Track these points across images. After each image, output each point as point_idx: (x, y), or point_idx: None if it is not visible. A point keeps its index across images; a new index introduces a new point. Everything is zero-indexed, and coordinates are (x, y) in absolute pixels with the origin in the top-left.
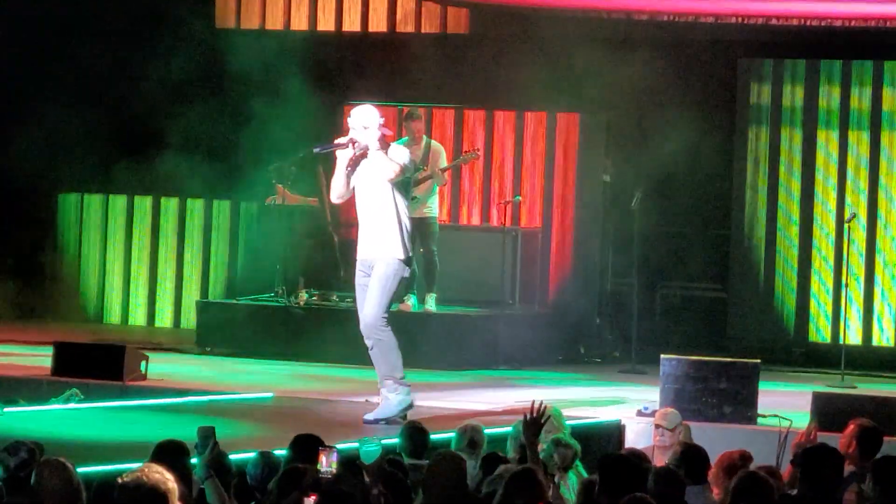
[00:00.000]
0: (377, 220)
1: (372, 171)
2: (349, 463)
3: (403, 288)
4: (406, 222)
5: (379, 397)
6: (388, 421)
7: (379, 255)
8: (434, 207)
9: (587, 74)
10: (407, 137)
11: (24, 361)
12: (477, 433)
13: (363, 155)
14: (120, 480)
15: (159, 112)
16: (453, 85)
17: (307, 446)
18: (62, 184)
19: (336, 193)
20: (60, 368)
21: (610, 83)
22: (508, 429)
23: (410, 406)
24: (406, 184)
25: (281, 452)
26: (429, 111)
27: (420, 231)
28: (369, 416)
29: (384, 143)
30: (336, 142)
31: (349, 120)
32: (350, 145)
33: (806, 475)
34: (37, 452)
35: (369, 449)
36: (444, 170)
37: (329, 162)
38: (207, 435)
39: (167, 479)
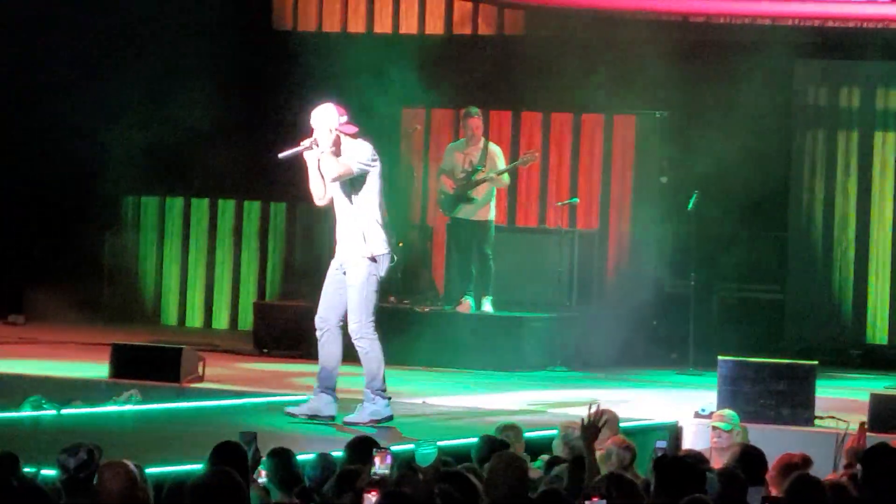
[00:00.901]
0: (343, 219)
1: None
2: (406, 465)
3: (385, 283)
4: (374, 220)
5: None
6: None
7: (347, 255)
8: (492, 210)
9: (644, 76)
10: (464, 138)
11: (83, 363)
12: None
13: (328, 154)
14: (193, 482)
15: (217, 113)
16: (510, 87)
17: (362, 448)
18: (123, 186)
19: (315, 196)
20: (118, 370)
21: (667, 85)
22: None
23: (387, 419)
24: (358, 180)
25: (338, 454)
26: (486, 113)
27: (476, 233)
28: (356, 418)
29: (337, 142)
30: (301, 144)
31: (311, 120)
32: (314, 146)
33: (868, 477)
34: (96, 454)
35: (425, 451)
36: (500, 173)
37: (385, 163)
38: (248, 440)
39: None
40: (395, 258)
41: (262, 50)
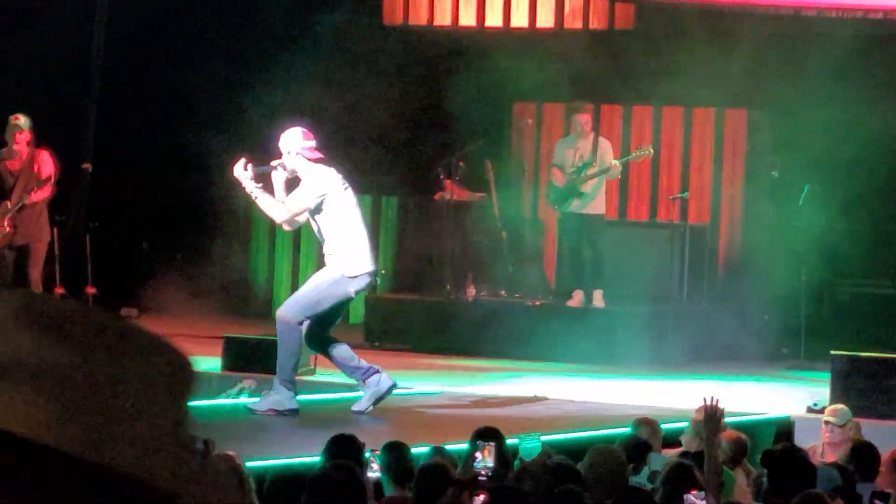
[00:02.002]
0: (323, 240)
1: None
2: (505, 459)
3: (342, 306)
4: (346, 243)
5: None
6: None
7: (331, 266)
8: (601, 204)
9: (755, 69)
10: (574, 133)
11: (195, 356)
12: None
13: (295, 178)
14: (314, 474)
15: (326, 108)
16: (621, 81)
17: (342, 446)
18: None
19: (281, 218)
20: (231, 363)
21: (778, 78)
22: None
23: (290, 411)
24: (319, 208)
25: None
26: (596, 108)
27: (587, 227)
28: (258, 406)
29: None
30: (270, 165)
31: (279, 143)
32: (280, 168)
33: None
34: (210, 447)
35: (530, 445)
36: (612, 166)
37: (496, 157)
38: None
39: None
40: (377, 281)
41: (373, 44)
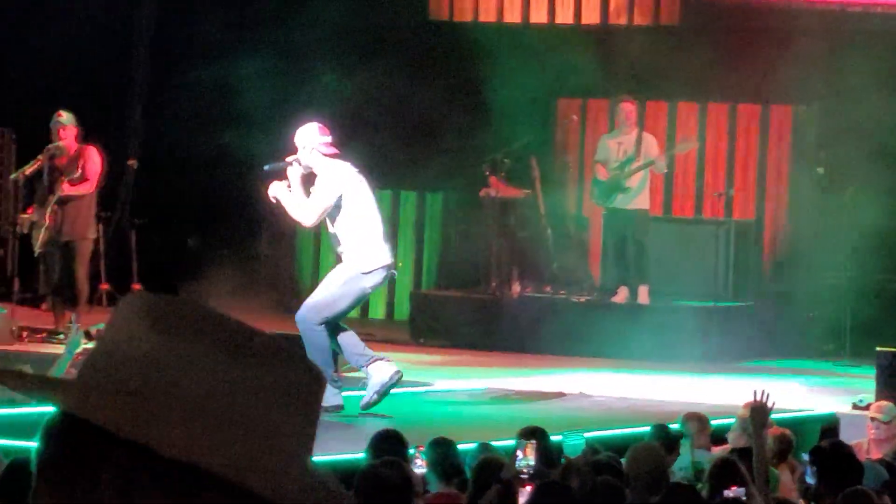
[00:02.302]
0: (337, 237)
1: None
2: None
3: (359, 302)
4: (362, 237)
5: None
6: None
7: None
8: (645, 199)
9: (800, 66)
10: (617, 129)
11: None
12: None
13: (310, 174)
14: (362, 471)
15: (370, 104)
16: (666, 77)
17: (386, 443)
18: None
19: (301, 217)
20: None
21: (823, 74)
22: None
23: (335, 408)
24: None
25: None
26: (641, 104)
27: (632, 222)
28: None
29: (301, 181)
30: (285, 161)
31: (295, 138)
32: (295, 163)
33: None
34: None
35: (574, 442)
36: (658, 158)
37: (541, 154)
38: None
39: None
40: (394, 275)
41: (418, 40)
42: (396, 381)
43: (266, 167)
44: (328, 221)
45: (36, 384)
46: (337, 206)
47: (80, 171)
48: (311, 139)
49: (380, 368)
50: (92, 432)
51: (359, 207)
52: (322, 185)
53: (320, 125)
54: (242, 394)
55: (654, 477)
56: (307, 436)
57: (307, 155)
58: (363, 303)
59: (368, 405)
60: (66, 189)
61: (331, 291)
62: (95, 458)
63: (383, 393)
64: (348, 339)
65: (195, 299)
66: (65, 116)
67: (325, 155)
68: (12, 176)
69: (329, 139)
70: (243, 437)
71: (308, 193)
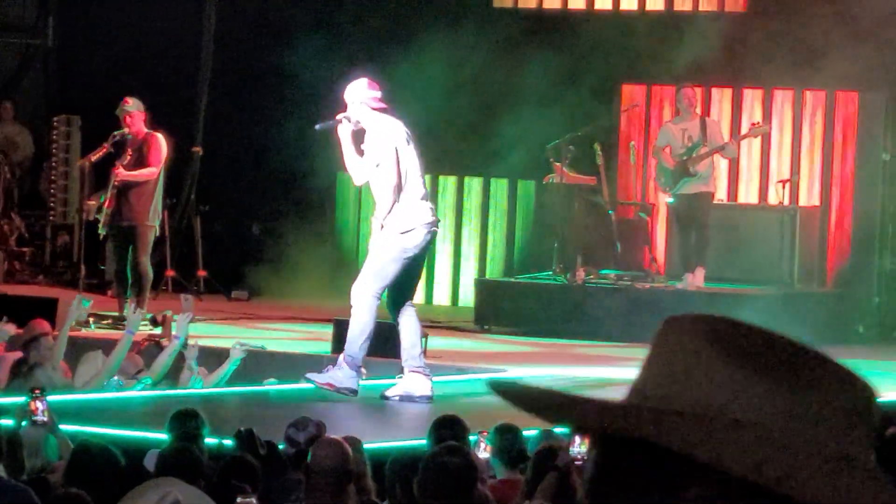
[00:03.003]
0: (373, 190)
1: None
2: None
3: (411, 268)
4: (405, 196)
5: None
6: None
7: (376, 226)
8: (711, 184)
9: (866, 51)
10: (679, 115)
11: (306, 339)
12: None
13: (360, 130)
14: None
15: (435, 90)
16: (730, 63)
17: (446, 428)
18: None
19: (352, 175)
20: (340, 346)
21: (891, 59)
22: None
23: (348, 391)
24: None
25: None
26: (707, 90)
27: (697, 206)
28: (317, 378)
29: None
30: (335, 118)
31: (345, 94)
32: (346, 120)
33: None
34: (323, 429)
35: None
36: (728, 144)
37: (605, 140)
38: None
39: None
40: (434, 233)
41: (483, 26)
42: (424, 402)
43: (317, 126)
44: (371, 181)
45: (553, 403)
46: (380, 164)
47: (148, 158)
48: (361, 94)
49: (418, 381)
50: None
51: (403, 167)
52: (373, 141)
53: (369, 80)
54: (804, 423)
55: None
56: (870, 449)
57: (356, 108)
58: (417, 276)
59: (386, 397)
60: (122, 175)
61: (374, 260)
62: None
63: (407, 400)
64: (410, 335)
65: (747, 321)
66: (131, 103)
67: (375, 109)
68: (78, 163)
69: (379, 94)
70: (824, 468)
71: (360, 151)
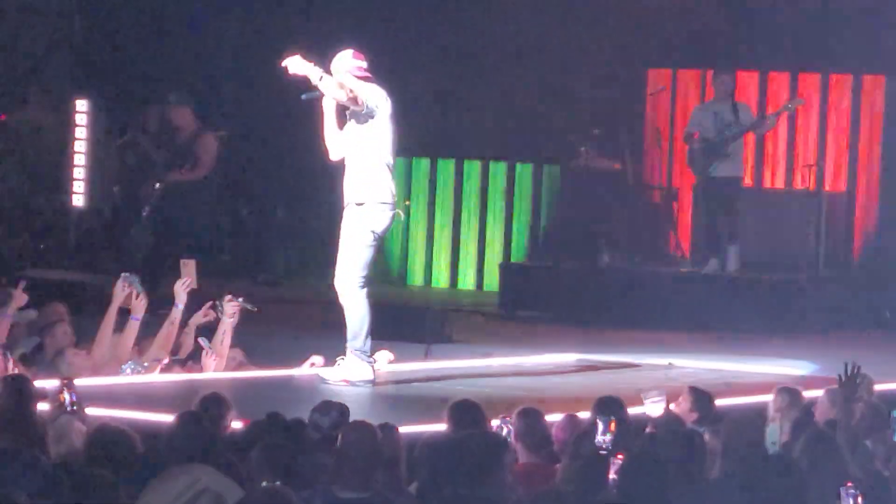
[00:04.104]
0: (350, 165)
1: (350, 119)
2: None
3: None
4: (380, 167)
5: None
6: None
7: (347, 202)
8: (739, 167)
9: (893, 35)
10: (711, 99)
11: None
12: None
13: (345, 104)
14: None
15: (467, 76)
16: (756, 47)
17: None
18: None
19: (329, 149)
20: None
21: None
22: None
23: (366, 382)
24: (367, 123)
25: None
26: (732, 74)
27: (726, 189)
28: (331, 376)
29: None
30: (319, 89)
31: (331, 67)
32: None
33: None
34: (347, 413)
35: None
36: (769, 116)
37: (631, 125)
38: None
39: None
40: (401, 216)
41: (507, 11)
42: (365, 386)
43: (302, 96)
44: (352, 142)
45: None
46: (362, 127)
47: (197, 158)
48: (345, 63)
49: (358, 366)
50: None
51: (381, 136)
52: (366, 91)
53: (354, 50)
54: None
55: (750, 448)
56: None
57: (340, 77)
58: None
59: (324, 380)
60: (174, 175)
61: (348, 249)
62: None
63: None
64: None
65: None
66: (177, 97)
67: (359, 78)
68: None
69: (364, 64)
70: None
71: (342, 125)
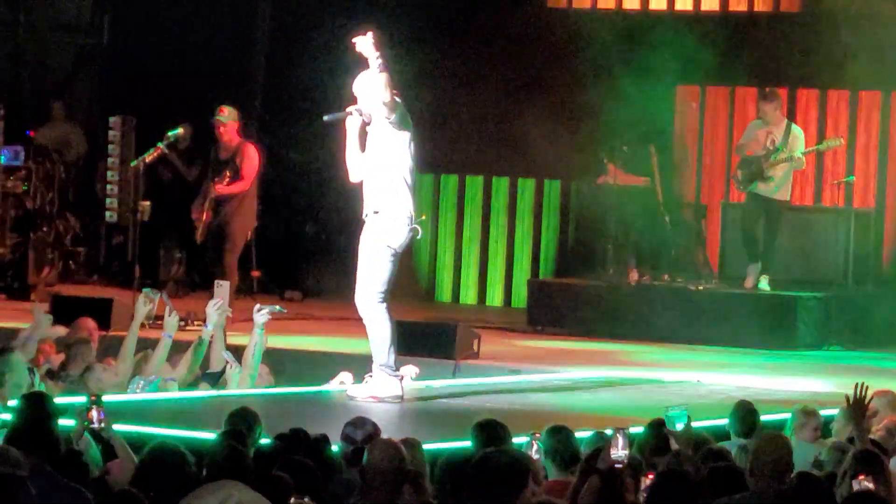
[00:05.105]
0: (371, 178)
1: (376, 135)
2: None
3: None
4: (403, 180)
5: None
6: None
7: (368, 214)
8: (787, 191)
9: None
10: (767, 118)
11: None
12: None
13: (368, 123)
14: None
15: (488, 92)
16: (785, 64)
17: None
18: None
19: (350, 169)
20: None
21: None
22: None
23: (394, 398)
24: (392, 134)
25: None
26: (761, 91)
27: (769, 211)
28: (358, 393)
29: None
30: (346, 111)
31: (354, 88)
32: (356, 113)
33: None
34: (379, 429)
35: (675, 415)
36: (804, 153)
37: (659, 141)
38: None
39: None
40: (419, 231)
41: (537, 27)
42: (394, 402)
43: (326, 117)
44: (375, 154)
45: None
46: (387, 139)
47: (241, 169)
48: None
49: (386, 382)
50: None
51: (404, 149)
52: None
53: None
54: None
55: (779, 465)
56: None
57: (378, 66)
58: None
59: (352, 396)
60: (219, 189)
61: (368, 266)
62: None
63: (379, 400)
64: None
65: None
66: (226, 112)
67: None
68: (132, 163)
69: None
70: None
71: (364, 147)
